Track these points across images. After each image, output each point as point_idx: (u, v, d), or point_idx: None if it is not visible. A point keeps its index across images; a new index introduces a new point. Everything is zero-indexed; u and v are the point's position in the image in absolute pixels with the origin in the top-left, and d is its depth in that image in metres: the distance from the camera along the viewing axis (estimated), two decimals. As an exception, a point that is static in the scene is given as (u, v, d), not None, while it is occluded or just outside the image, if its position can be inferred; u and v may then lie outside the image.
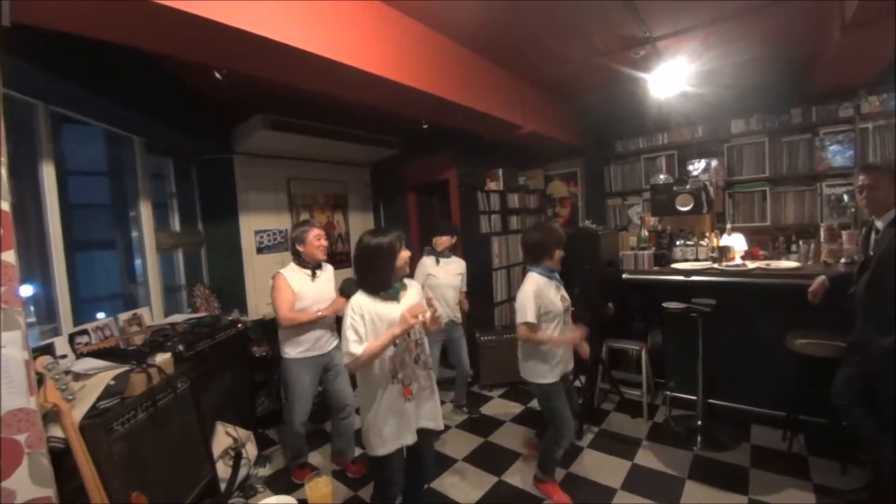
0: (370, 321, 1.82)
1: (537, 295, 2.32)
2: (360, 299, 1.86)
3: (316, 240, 2.69)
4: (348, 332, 1.79)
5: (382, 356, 1.83)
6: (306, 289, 2.66)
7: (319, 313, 2.60)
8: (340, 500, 2.59)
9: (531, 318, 2.29)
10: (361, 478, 2.76)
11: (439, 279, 3.42)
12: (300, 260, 2.70)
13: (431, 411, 1.98)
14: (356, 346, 1.77)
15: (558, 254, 2.40)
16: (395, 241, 1.87)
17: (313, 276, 2.71)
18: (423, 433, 1.95)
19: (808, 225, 3.95)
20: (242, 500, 2.53)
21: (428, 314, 1.83)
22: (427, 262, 3.47)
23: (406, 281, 2.02)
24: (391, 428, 1.86)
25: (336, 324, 2.74)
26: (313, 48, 2.12)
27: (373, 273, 1.88)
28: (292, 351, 2.64)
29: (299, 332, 2.62)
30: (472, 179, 4.71)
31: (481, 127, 4.01)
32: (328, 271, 2.83)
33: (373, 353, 1.77)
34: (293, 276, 2.67)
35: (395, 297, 1.91)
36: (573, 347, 2.48)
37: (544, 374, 2.38)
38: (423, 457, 2.06)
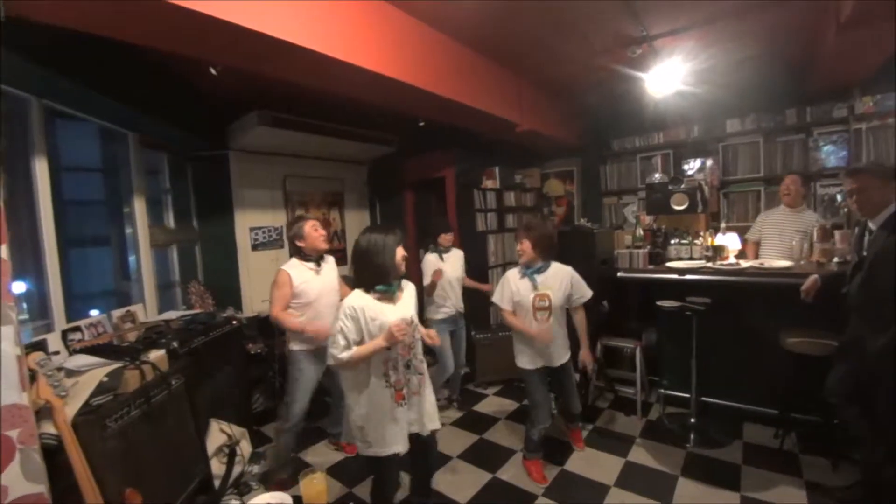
0: (364, 323, 1.82)
1: (505, 281, 2.65)
2: (355, 299, 1.85)
3: (314, 230, 2.65)
4: (337, 336, 1.80)
5: (375, 358, 1.83)
6: (311, 283, 2.63)
7: (304, 326, 2.54)
8: (335, 497, 2.59)
9: (496, 301, 2.68)
10: (357, 474, 2.77)
11: (447, 274, 3.44)
12: (302, 255, 2.66)
13: (430, 412, 1.99)
14: (342, 352, 1.78)
15: (518, 248, 2.60)
16: (390, 238, 1.88)
17: (318, 269, 2.68)
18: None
19: (801, 225, 3.97)
20: (237, 498, 2.52)
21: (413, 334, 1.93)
22: (433, 259, 3.48)
23: (403, 283, 2.00)
24: (382, 432, 1.85)
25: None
26: (311, 44, 2.11)
27: (368, 271, 1.88)
28: (301, 344, 2.62)
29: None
30: (469, 177, 4.71)
31: (479, 125, 4.01)
32: (331, 262, 2.80)
33: (357, 359, 1.80)
34: (296, 271, 2.62)
35: (391, 298, 1.90)
36: (557, 346, 2.61)
37: (521, 358, 2.63)
38: (429, 452, 2.08)
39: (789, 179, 3.38)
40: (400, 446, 1.88)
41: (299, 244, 2.64)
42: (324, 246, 2.69)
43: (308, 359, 2.64)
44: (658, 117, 4.45)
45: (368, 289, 1.88)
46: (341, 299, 2.67)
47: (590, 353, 2.72)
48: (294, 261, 2.67)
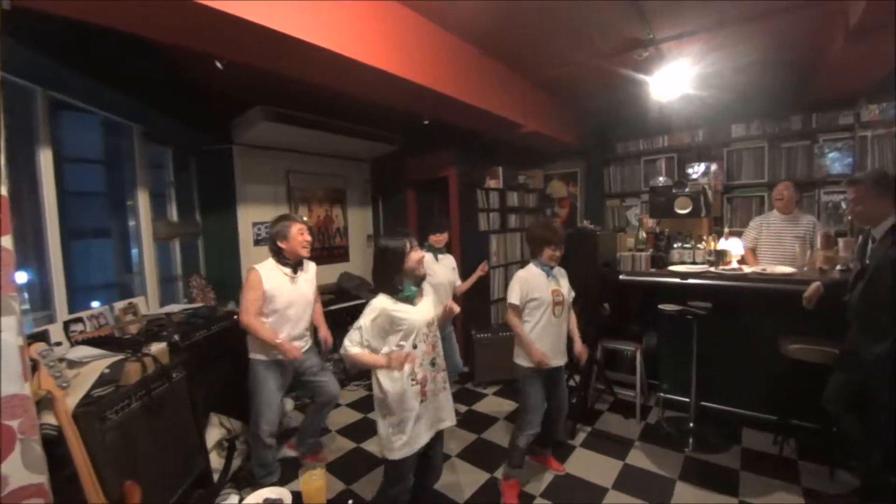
0: (381, 324, 1.87)
1: (524, 280, 2.49)
2: (381, 301, 1.89)
3: (299, 234, 2.50)
4: (354, 332, 1.88)
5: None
6: (283, 290, 2.48)
7: (279, 340, 2.40)
8: (334, 492, 2.59)
9: (514, 299, 2.47)
10: (357, 470, 2.77)
11: (438, 277, 3.40)
12: (280, 257, 2.51)
13: (447, 409, 2.04)
14: (353, 346, 1.87)
15: (547, 252, 2.47)
16: (406, 243, 1.92)
17: (294, 276, 2.53)
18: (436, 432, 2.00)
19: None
20: (235, 492, 2.53)
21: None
22: (427, 259, 3.45)
23: (424, 285, 2.04)
24: (410, 431, 1.88)
25: (312, 328, 2.73)
26: (318, 41, 2.11)
27: (386, 275, 1.92)
28: (261, 353, 2.50)
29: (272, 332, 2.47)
30: (472, 177, 4.70)
31: (483, 125, 4.00)
32: (310, 271, 2.66)
33: (359, 363, 1.89)
34: (270, 274, 2.48)
35: (410, 300, 1.93)
36: (564, 346, 2.57)
37: (523, 356, 2.49)
38: (434, 455, 2.08)
39: (782, 185, 3.45)
40: (424, 439, 1.93)
41: (281, 244, 2.48)
42: (304, 253, 2.53)
43: (270, 369, 2.51)
44: (663, 120, 4.44)
45: (390, 292, 1.91)
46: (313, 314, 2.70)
47: (583, 346, 2.65)
48: (271, 262, 2.51)
